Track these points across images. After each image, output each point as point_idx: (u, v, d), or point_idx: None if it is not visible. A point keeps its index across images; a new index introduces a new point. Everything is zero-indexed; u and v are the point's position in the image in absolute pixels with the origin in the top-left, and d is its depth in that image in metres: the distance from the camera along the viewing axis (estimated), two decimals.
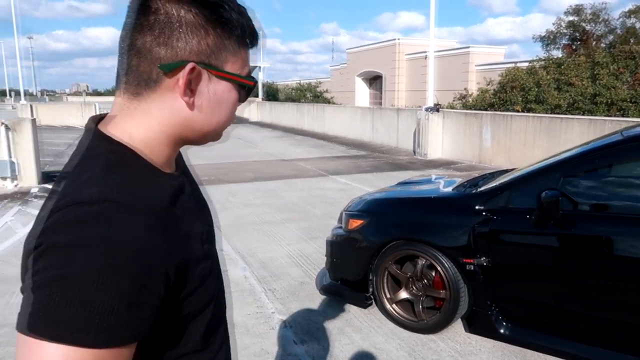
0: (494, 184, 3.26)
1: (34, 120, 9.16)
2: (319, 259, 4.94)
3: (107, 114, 0.81)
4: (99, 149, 0.74)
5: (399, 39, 33.76)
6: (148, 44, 0.72)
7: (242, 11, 0.78)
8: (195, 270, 0.76)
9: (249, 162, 12.10)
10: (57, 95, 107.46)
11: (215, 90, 0.77)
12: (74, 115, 25.08)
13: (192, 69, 0.73)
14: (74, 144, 11.08)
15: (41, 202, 5.17)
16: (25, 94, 30.42)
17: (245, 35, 0.78)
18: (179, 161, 0.91)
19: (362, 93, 38.85)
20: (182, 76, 0.73)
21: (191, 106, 0.76)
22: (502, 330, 3.14)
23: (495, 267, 3.05)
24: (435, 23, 13.76)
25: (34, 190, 8.66)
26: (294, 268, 4.74)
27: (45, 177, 9.77)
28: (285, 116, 25.66)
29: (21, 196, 8.17)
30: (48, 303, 0.60)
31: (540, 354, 3.07)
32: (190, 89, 0.74)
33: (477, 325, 3.27)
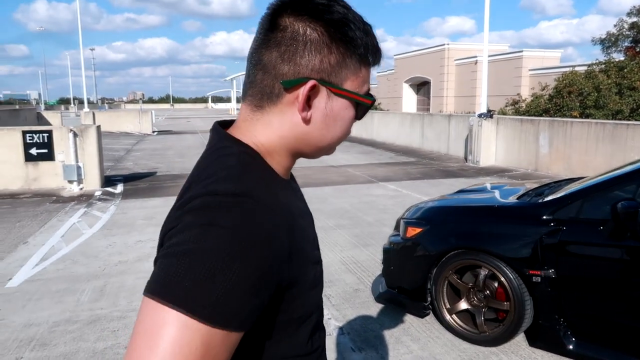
0: (563, 193, 3.14)
1: (98, 127, 9.63)
2: (373, 266, 4.92)
3: (231, 120, 0.87)
4: (231, 149, 0.79)
5: (447, 44, 33.27)
6: (273, 60, 0.76)
7: (367, 30, 0.80)
8: (310, 273, 0.79)
9: (298, 168, 12.18)
10: (115, 103, 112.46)
11: (332, 107, 0.79)
12: (131, 122, 26.15)
13: (313, 87, 0.76)
14: (132, 149, 11.68)
15: (104, 204, 5.46)
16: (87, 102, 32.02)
17: (368, 53, 0.80)
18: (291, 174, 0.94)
19: (409, 99, 38.48)
20: (301, 92, 0.75)
21: (307, 121, 0.79)
22: (570, 346, 3.01)
23: (564, 280, 2.93)
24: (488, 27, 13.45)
25: (98, 193, 9.09)
26: (348, 275, 4.74)
27: (107, 180, 10.25)
28: None
29: (86, 199, 8.59)
30: (175, 271, 0.63)
31: None
32: (309, 104, 0.77)
33: (543, 339, 3.15)
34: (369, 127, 21.26)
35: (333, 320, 3.75)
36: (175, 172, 11.75)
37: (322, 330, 0.90)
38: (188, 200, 0.71)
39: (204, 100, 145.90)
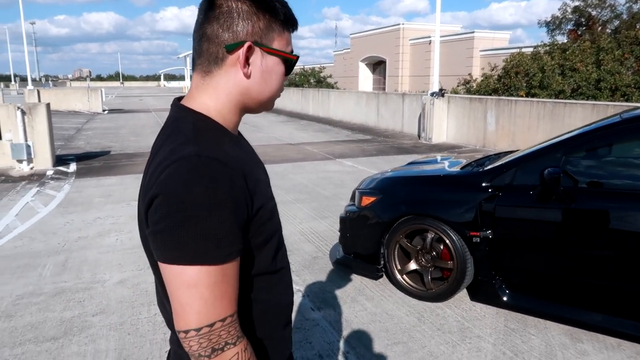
0: (499, 163, 3.48)
1: (48, 105, 9.36)
2: (330, 236, 5.19)
3: (184, 95, 1.07)
4: (187, 118, 1.00)
5: (402, 24, 33.67)
6: (215, 31, 0.96)
7: (283, 2, 1.01)
8: (267, 206, 1.00)
9: (256, 147, 11.93)
10: (59, 80, 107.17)
11: (267, 64, 1.00)
12: (80, 100, 25.20)
13: (250, 47, 0.96)
14: (82, 128, 11.43)
15: (57, 183, 5.52)
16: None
17: (287, 20, 1.01)
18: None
19: (366, 78, 38.85)
20: (242, 53, 0.96)
21: (248, 76, 0.99)
22: (504, 298, 3.38)
23: (499, 240, 3.28)
24: (441, 7, 13.81)
25: (50, 172, 8.90)
26: (307, 244, 4.99)
27: (59, 160, 10.01)
28: (290, 101, 25.77)
29: (37, 178, 8.42)
30: (179, 239, 0.85)
31: (540, 320, 3.32)
32: (248, 63, 0.98)
33: (482, 293, 3.51)
34: (325, 105, 21.45)
35: (294, 284, 3.97)
36: (130, 151, 11.59)
37: (283, 254, 1.12)
38: (160, 168, 0.89)
39: (156, 78, 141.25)
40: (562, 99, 12.87)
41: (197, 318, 0.86)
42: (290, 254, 4.67)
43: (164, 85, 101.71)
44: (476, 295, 3.56)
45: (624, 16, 22.77)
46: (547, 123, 10.37)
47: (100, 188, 7.66)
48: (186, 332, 0.88)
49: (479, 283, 3.49)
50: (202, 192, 0.85)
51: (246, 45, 0.96)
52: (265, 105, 1.07)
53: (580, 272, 3.09)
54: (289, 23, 1.02)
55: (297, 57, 1.06)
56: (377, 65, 37.94)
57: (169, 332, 3.39)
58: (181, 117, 1.00)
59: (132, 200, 6.81)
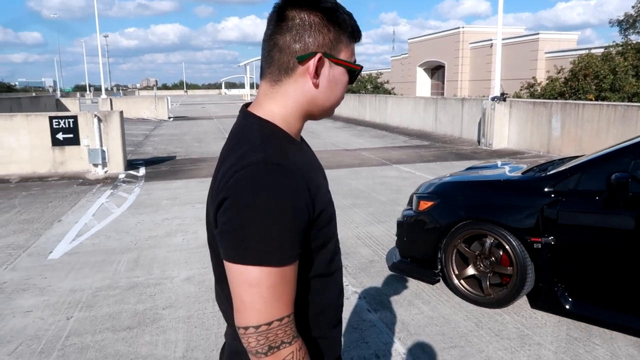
0: (563, 168, 3.40)
1: (121, 113, 10.01)
2: (387, 241, 5.22)
3: (251, 102, 1.14)
4: (254, 125, 1.06)
5: (462, 27, 33.02)
6: (287, 42, 1.01)
7: (350, 14, 1.07)
8: (327, 211, 1.05)
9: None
10: (129, 89, 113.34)
11: (334, 74, 1.05)
12: (147, 108, 26.58)
13: (320, 58, 1.02)
14: (150, 134, 12.05)
15: (129, 186, 5.92)
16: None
17: (354, 32, 1.07)
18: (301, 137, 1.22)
19: (424, 83, 38.37)
20: (312, 63, 1.01)
21: (317, 86, 1.04)
22: (567, 306, 3.30)
23: (562, 246, 3.20)
24: (503, 9, 13.47)
25: (122, 176, 9.49)
26: (364, 248, 5.05)
27: (129, 164, 10.65)
28: (347, 107, 25.90)
29: (111, 181, 9.00)
30: (244, 240, 0.90)
31: (605, 330, 3.21)
32: (317, 73, 1.03)
33: (543, 301, 3.44)
34: (382, 111, 21.40)
35: (350, 286, 4.07)
36: (194, 157, 12.12)
37: (338, 257, 1.17)
38: (229, 173, 0.94)
39: (217, 86, 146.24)
40: (636, 102, 12.17)
41: (256, 316, 0.90)
42: (347, 257, 4.76)
43: (225, 93, 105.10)
44: (537, 302, 3.49)
45: None
46: (618, 127, 9.86)
47: (167, 191, 8.09)
48: (246, 328, 0.91)
49: (540, 290, 3.42)
50: (268, 197, 0.90)
51: (317, 56, 1.01)
52: (328, 112, 1.12)
53: None
54: (355, 35, 1.07)
55: (361, 68, 1.11)
56: (436, 70, 37.37)
57: None
58: (249, 124, 1.06)
59: (196, 202, 7.15)
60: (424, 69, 38.14)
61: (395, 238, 4.30)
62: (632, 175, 2.96)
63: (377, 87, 30.49)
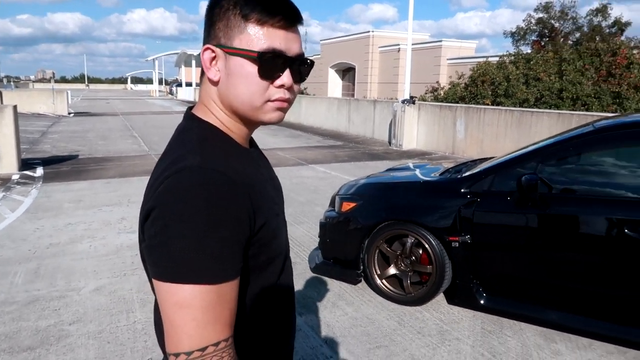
0: (478, 170, 3.59)
1: (15, 107, 9.06)
2: (307, 242, 5.21)
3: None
4: (192, 127, 0.96)
5: (372, 32, 34.07)
6: (204, 38, 0.95)
7: None
8: (271, 224, 0.94)
9: None
10: (21, 81, 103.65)
11: (230, 66, 0.91)
12: (44, 103, 24.36)
13: (208, 50, 0.92)
14: (48, 131, 11.10)
15: (24, 188, 5.37)
16: None
17: (252, 11, 0.88)
18: (254, 143, 1.11)
19: (335, 84, 39.10)
20: (205, 58, 0.93)
21: (215, 82, 0.94)
22: (481, 301, 3.49)
23: (478, 244, 3.38)
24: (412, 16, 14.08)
25: (15, 177, 8.60)
26: None
27: (24, 164, 9.70)
28: None
29: (2, 183, 8.12)
30: (174, 255, 0.80)
31: (515, 322, 3.44)
32: (213, 66, 0.93)
33: (459, 297, 3.61)
34: (296, 111, 21.47)
35: None
36: (98, 156, 11.32)
37: (288, 275, 1.08)
38: (160, 179, 0.85)
39: (122, 81, 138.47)
40: (526, 107, 13.29)
41: (188, 341, 0.80)
42: None
43: (131, 88, 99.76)
44: (454, 298, 3.66)
45: (585, 29, 23.75)
46: (515, 131, 10.70)
47: (69, 193, 7.46)
48: (176, 355, 0.81)
49: (456, 287, 3.58)
50: (202, 206, 0.80)
51: (204, 48, 0.92)
52: (247, 111, 0.94)
53: (554, 275, 3.21)
54: (250, 15, 0.88)
55: (262, 53, 0.89)
56: (347, 72, 38.25)
57: (149, 340, 3.34)
58: (188, 127, 0.97)
59: (103, 205, 6.66)
60: (336, 70, 38.88)
61: (317, 239, 4.29)
62: (539, 177, 3.20)
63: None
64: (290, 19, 0.91)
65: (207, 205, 0.80)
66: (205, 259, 0.80)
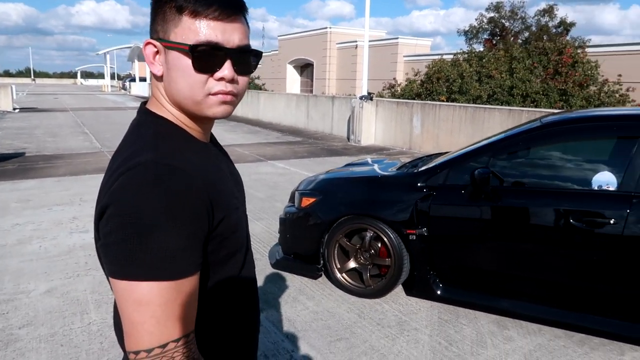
0: (433, 164, 3.68)
1: None
2: (267, 238, 5.20)
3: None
4: (147, 122, 0.95)
5: (329, 28, 34.18)
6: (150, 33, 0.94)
7: None
8: (230, 218, 0.94)
9: None
10: None
11: (168, 60, 0.91)
12: None
13: (152, 45, 0.92)
14: None
15: None
16: None
17: (184, 4, 0.87)
18: (213, 139, 1.11)
19: (294, 80, 39.02)
20: (147, 53, 0.92)
21: (159, 77, 0.94)
22: (438, 292, 3.59)
23: (434, 237, 3.47)
24: (369, 13, 14.23)
25: None
26: None
27: None
28: None
29: None
30: (131, 253, 0.78)
31: (470, 310, 3.56)
32: (155, 61, 0.93)
33: (417, 288, 3.70)
34: (255, 107, 21.31)
35: None
36: (47, 153, 10.86)
37: (250, 270, 1.08)
38: (114, 176, 0.83)
39: (72, 75, 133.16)
40: (479, 104, 13.71)
41: (148, 338, 0.80)
42: None
43: (82, 83, 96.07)
44: (412, 290, 3.74)
45: (533, 28, 24.67)
46: (469, 127, 11.02)
47: (16, 192, 7.13)
48: (136, 353, 0.81)
49: (414, 278, 3.67)
50: (158, 201, 0.79)
51: (144, 43, 0.92)
52: (192, 107, 0.93)
53: (506, 265, 3.35)
54: (183, 7, 0.88)
55: (190, 46, 0.87)
56: (305, 68, 38.25)
57: (105, 341, 3.26)
58: (142, 122, 0.95)
59: (54, 205, 6.41)
60: (294, 67, 38.80)
61: (277, 235, 4.29)
62: (491, 170, 3.31)
63: (249, 83, 30.35)
64: (228, 10, 0.89)
65: (163, 201, 0.80)
66: (162, 255, 0.79)
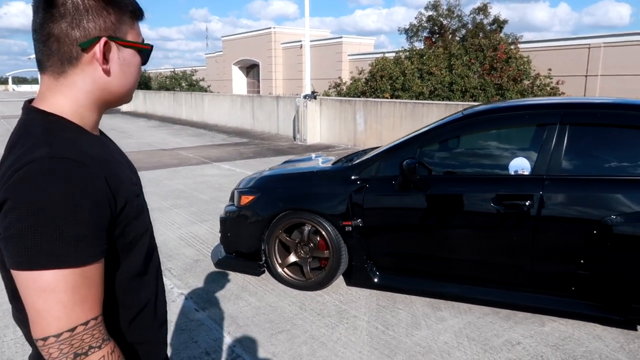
0: (366, 157, 3.82)
1: None
2: (211, 239, 5.20)
3: (34, 97, 1.03)
4: (36, 120, 0.96)
5: (273, 28, 34.12)
6: (64, 30, 0.92)
7: None
8: (132, 204, 0.98)
9: (126, 154, 11.65)
10: None
11: (124, 57, 0.99)
12: None
13: (106, 42, 0.95)
14: None
15: None
16: None
17: (135, 11, 1.01)
18: (100, 131, 1.13)
19: (240, 81, 38.67)
20: (98, 49, 0.94)
21: (108, 72, 0.98)
22: (375, 280, 3.73)
23: (369, 227, 3.61)
24: (309, 12, 14.37)
25: None
26: (188, 248, 4.94)
27: None
28: (161, 105, 24.78)
29: None
30: (32, 243, 0.81)
31: (407, 295, 3.72)
32: (106, 59, 0.96)
33: (355, 278, 3.82)
34: (199, 109, 21.01)
35: (176, 288, 3.95)
36: None
37: (155, 255, 1.12)
38: (9, 173, 0.84)
39: (2, 81, 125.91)
40: (421, 100, 14.15)
41: (56, 324, 0.82)
42: (171, 259, 4.61)
43: (14, 89, 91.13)
44: (351, 280, 3.87)
45: (469, 26, 25.63)
46: (409, 122, 11.36)
47: None
48: (44, 339, 0.82)
49: (352, 269, 3.79)
50: (57, 193, 0.82)
51: (102, 41, 0.94)
52: (125, 98, 1.06)
53: (437, 250, 3.53)
54: (137, 13, 1.02)
55: (152, 47, 1.06)
56: (251, 69, 37.99)
57: None
58: (30, 119, 0.96)
59: None
60: (240, 67, 38.45)
61: (220, 235, 4.31)
62: (419, 161, 3.48)
63: (193, 85, 29.80)
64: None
65: (62, 191, 0.82)
66: (64, 243, 0.82)
